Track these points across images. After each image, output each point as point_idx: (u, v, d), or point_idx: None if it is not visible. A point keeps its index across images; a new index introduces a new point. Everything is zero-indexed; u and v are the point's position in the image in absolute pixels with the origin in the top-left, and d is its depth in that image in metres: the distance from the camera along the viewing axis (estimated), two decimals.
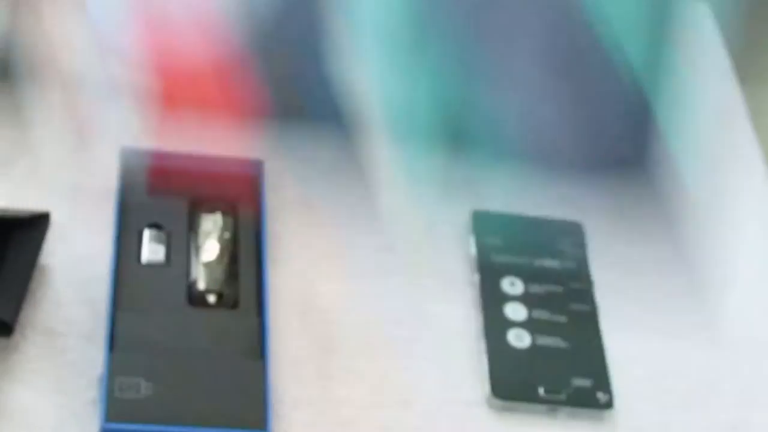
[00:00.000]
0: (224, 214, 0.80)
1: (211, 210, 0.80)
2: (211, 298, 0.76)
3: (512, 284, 0.82)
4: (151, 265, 0.76)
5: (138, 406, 0.69)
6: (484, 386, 0.77)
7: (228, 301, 0.76)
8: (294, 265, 0.81)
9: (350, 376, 0.76)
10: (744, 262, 0.88)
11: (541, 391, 0.77)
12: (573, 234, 0.86)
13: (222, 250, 0.78)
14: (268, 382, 0.71)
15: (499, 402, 0.76)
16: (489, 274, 0.82)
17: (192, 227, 0.79)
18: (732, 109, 0.98)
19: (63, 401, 0.71)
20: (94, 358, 0.73)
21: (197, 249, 0.78)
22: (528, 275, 0.83)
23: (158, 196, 0.78)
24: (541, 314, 0.81)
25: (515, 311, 0.81)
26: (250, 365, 0.72)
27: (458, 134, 0.87)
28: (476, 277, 0.82)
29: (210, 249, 0.78)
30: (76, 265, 0.77)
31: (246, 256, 0.78)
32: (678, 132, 0.91)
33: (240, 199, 0.81)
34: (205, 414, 0.69)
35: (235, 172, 0.82)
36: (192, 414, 0.69)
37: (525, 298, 0.81)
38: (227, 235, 0.79)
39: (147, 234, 0.78)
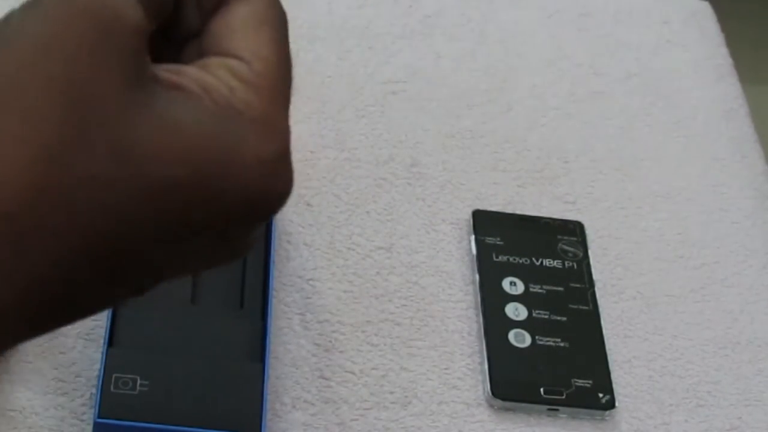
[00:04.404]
0: None
1: None
2: (216, 299, 0.76)
3: (513, 284, 0.82)
4: None
5: (132, 402, 0.69)
6: (484, 386, 0.77)
7: (233, 302, 0.76)
8: (295, 265, 0.81)
9: (350, 376, 0.76)
10: (743, 262, 0.88)
11: (541, 391, 0.77)
12: (573, 234, 0.86)
13: None
14: (265, 385, 0.71)
15: (499, 402, 0.76)
16: (489, 274, 0.82)
17: None
18: (734, 108, 0.98)
19: (63, 401, 0.71)
20: (93, 357, 0.73)
21: None
22: (528, 275, 0.83)
23: None
24: (541, 314, 0.81)
25: (516, 311, 0.81)
26: (249, 368, 0.72)
27: None
28: (476, 277, 0.82)
29: None
30: None
31: (254, 256, 0.78)
32: None
33: None
34: (198, 414, 0.69)
35: None
36: (185, 413, 0.69)
37: (525, 298, 0.81)
38: None
39: None
